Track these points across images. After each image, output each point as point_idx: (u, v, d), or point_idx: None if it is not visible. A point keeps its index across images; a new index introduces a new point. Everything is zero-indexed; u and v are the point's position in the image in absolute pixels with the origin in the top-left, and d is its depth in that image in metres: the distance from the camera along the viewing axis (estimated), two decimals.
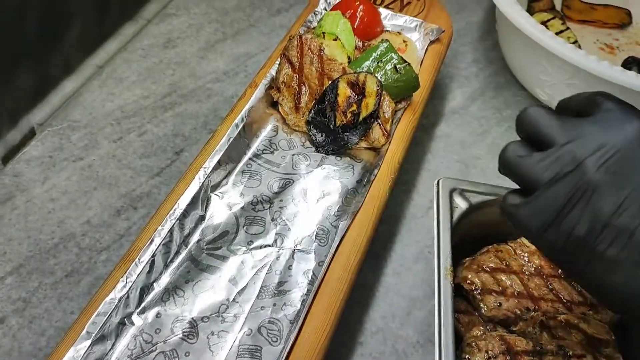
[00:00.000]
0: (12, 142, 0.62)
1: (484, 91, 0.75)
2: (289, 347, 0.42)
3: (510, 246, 0.53)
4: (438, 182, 0.53)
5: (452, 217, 0.52)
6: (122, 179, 0.60)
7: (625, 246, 0.31)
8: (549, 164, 0.33)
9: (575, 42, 0.78)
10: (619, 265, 0.32)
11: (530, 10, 0.83)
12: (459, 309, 0.51)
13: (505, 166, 0.35)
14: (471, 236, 0.54)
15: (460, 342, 0.49)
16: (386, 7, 0.69)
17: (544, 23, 0.80)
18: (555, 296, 0.50)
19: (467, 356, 0.47)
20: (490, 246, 0.54)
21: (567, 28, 0.80)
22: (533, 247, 0.53)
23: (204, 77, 0.72)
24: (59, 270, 0.53)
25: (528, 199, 0.34)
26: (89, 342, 0.40)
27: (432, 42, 0.65)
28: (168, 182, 0.60)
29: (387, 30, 0.65)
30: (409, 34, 0.66)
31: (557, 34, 0.78)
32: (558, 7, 0.85)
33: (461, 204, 0.52)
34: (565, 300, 0.50)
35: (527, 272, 0.51)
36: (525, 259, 0.52)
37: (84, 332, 0.40)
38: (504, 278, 0.51)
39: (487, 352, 0.48)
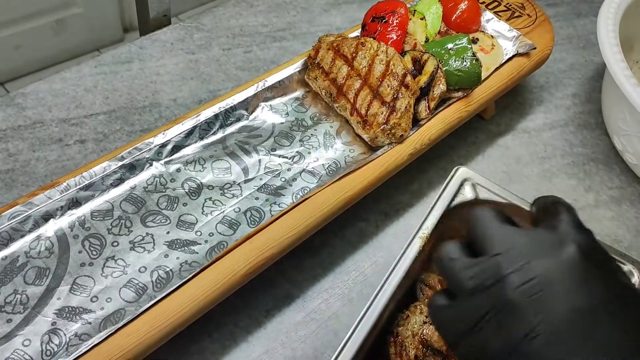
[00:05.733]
0: (151, 24, 0.77)
1: (567, 124, 0.76)
2: (256, 231, 0.50)
3: None
4: (457, 168, 0.57)
5: (452, 200, 0.56)
6: (214, 79, 0.72)
7: None
8: (475, 273, 0.32)
9: None
10: None
11: None
12: (429, 282, 0.56)
13: (438, 265, 0.35)
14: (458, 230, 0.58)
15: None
16: (495, 12, 0.73)
17: None
18: None
19: (407, 312, 0.52)
20: None
21: None
22: None
23: (318, 26, 0.81)
24: (138, 125, 0.66)
25: (450, 304, 0.34)
26: (120, 163, 0.52)
27: (520, 54, 0.68)
28: None
29: (482, 31, 0.69)
30: (503, 42, 0.69)
31: None
32: None
33: (468, 194, 0.57)
34: None
35: None
36: None
37: (120, 155, 0.52)
38: None
39: (426, 316, 0.52)
